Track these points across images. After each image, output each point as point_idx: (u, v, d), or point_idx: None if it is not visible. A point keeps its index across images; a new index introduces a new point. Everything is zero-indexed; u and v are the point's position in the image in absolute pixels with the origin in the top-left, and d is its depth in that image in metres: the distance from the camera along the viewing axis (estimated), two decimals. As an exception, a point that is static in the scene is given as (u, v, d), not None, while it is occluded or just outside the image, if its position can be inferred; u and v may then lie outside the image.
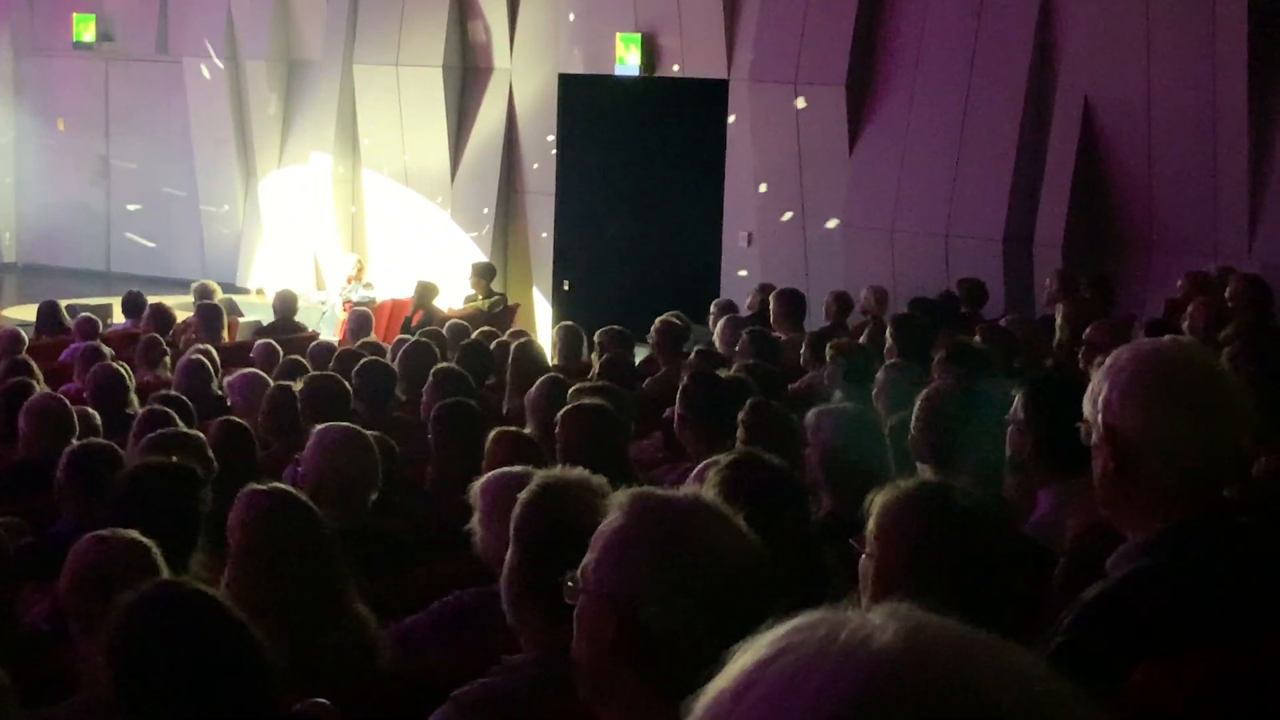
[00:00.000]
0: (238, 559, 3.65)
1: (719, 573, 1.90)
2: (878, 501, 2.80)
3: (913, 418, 4.28)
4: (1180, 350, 2.48)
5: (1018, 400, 3.92)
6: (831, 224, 14.40)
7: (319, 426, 5.05)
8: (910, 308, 10.44)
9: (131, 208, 19.26)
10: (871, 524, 2.77)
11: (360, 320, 12.37)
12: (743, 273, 14.87)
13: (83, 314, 11.86)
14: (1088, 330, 7.80)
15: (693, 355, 8.74)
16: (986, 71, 13.46)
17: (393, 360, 8.75)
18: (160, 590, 2.75)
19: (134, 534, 3.57)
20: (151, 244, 19.08)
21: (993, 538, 2.80)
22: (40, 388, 7.76)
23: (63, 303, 12.66)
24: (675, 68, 15.38)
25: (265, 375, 8.15)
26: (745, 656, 0.95)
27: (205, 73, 18.25)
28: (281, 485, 3.88)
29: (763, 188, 14.89)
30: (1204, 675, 2.22)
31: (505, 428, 5.43)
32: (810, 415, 4.73)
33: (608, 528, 1.97)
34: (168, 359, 9.92)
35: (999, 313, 12.06)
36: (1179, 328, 8.36)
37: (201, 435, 5.98)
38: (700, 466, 4.53)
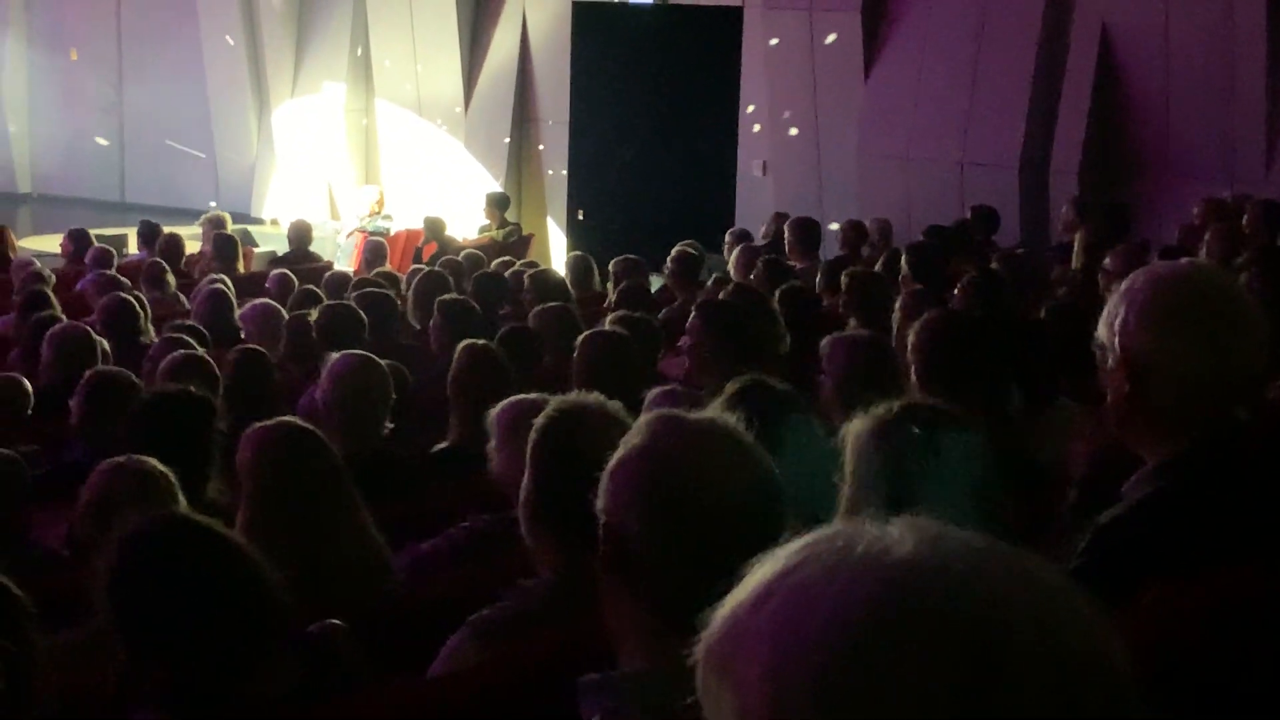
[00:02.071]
0: (250, 495, 3.67)
1: (712, 499, 1.90)
2: (850, 430, 2.79)
3: (911, 345, 4.25)
4: (1196, 273, 2.47)
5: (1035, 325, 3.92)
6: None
7: (334, 354, 5.07)
8: (926, 235, 10.40)
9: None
10: (846, 453, 2.77)
11: (375, 250, 12.38)
12: (757, 201, 14.82)
13: (98, 245, 11.85)
14: (1106, 258, 7.77)
15: (709, 284, 8.73)
16: (1003, -3, 13.34)
17: (407, 290, 8.79)
18: (155, 521, 2.75)
19: (151, 461, 3.59)
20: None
21: (973, 463, 2.77)
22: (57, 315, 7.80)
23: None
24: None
25: (279, 305, 8.17)
26: (763, 568, 0.95)
27: (218, 2, 18.14)
28: (288, 419, 3.89)
29: (778, 115, 14.80)
30: (1214, 596, 2.23)
31: (473, 340, 5.47)
32: (824, 342, 4.73)
33: (622, 447, 1.98)
34: (170, 277, 9.94)
35: (1015, 240, 12.01)
36: (1195, 254, 8.32)
37: (210, 359, 6.01)
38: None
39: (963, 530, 0.94)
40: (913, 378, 3.99)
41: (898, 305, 6.16)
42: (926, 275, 8.05)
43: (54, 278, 10.06)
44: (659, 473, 1.92)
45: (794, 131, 14.70)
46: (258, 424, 3.79)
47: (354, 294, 8.10)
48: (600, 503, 1.94)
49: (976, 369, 3.87)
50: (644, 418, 2.05)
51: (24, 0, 19.90)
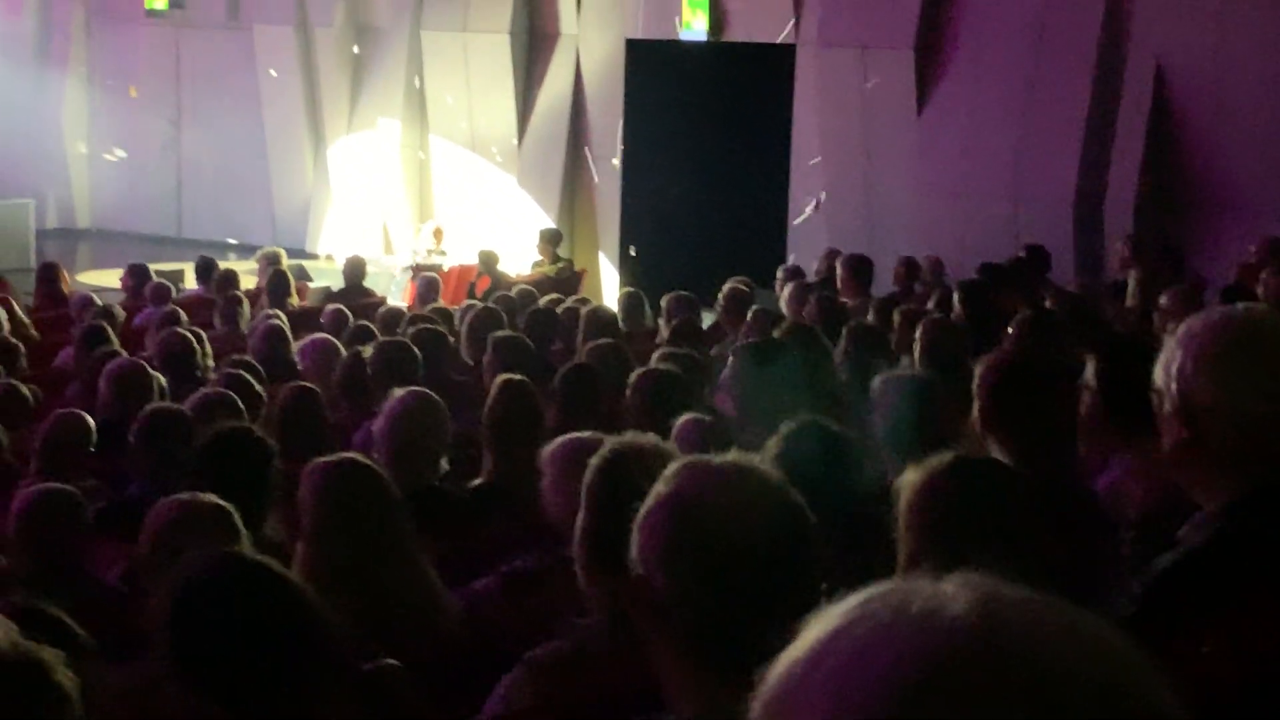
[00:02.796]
0: (311, 531, 3.70)
1: (735, 545, 1.91)
2: (904, 483, 2.79)
3: (976, 386, 4.25)
4: (1255, 318, 2.45)
5: (1090, 364, 3.90)
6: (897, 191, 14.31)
7: (396, 390, 5.11)
8: (979, 272, 10.37)
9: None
10: (901, 505, 2.77)
11: (429, 285, 12.46)
12: (807, 238, 14.82)
13: (155, 280, 11.99)
14: (1162, 297, 7.73)
15: (750, 316, 8.72)
16: (1056, 34, 13.31)
17: (460, 326, 8.84)
18: (214, 560, 2.78)
19: (214, 498, 3.63)
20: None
21: (1029, 515, 2.76)
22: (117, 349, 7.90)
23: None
24: (742, 33, 15.30)
25: (335, 341, 8.24)
26: (818, 626, 0.95)
27: (275, 40, 18.34)
28: (350, 455, 3.92)
29: (830, 152, 14.80)
30: (1273, 644, 2.21)
31: (509, 376, 5.49)
32: (876, 381, 4.73)
33: (650, 497, 2.01)
34: (246, 312, 10.07)
35: (1069, 278, 11.96)
36: (1252, 293, 8.26)
37: (235, 399, 6.06)
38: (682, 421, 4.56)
39: (1018, 587, 0.95)
40: (974, 415, 3.98)
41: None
42: (979, 313, 8.02)
43: (124, 314, 10.18)
44: (681, 523, 1.94)
45: (846, 168, 14.70)
46: (320, 460, 3.82)
47: (408, 330, 8.15)
48: (631, 553, 1.97)
49: (1041, 413, 3.86)
50: (672, 466, 2.07)
51: (85, 38, 20.19)
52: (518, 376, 5.58)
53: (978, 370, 4.02)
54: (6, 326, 9.46)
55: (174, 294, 11.76)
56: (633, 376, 5.67)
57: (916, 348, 6.95)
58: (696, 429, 4.80)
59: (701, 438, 4.70)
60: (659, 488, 1.99)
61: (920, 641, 0.90)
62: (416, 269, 15.06)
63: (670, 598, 1.91)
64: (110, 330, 8.77)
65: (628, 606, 1.98)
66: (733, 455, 2.14)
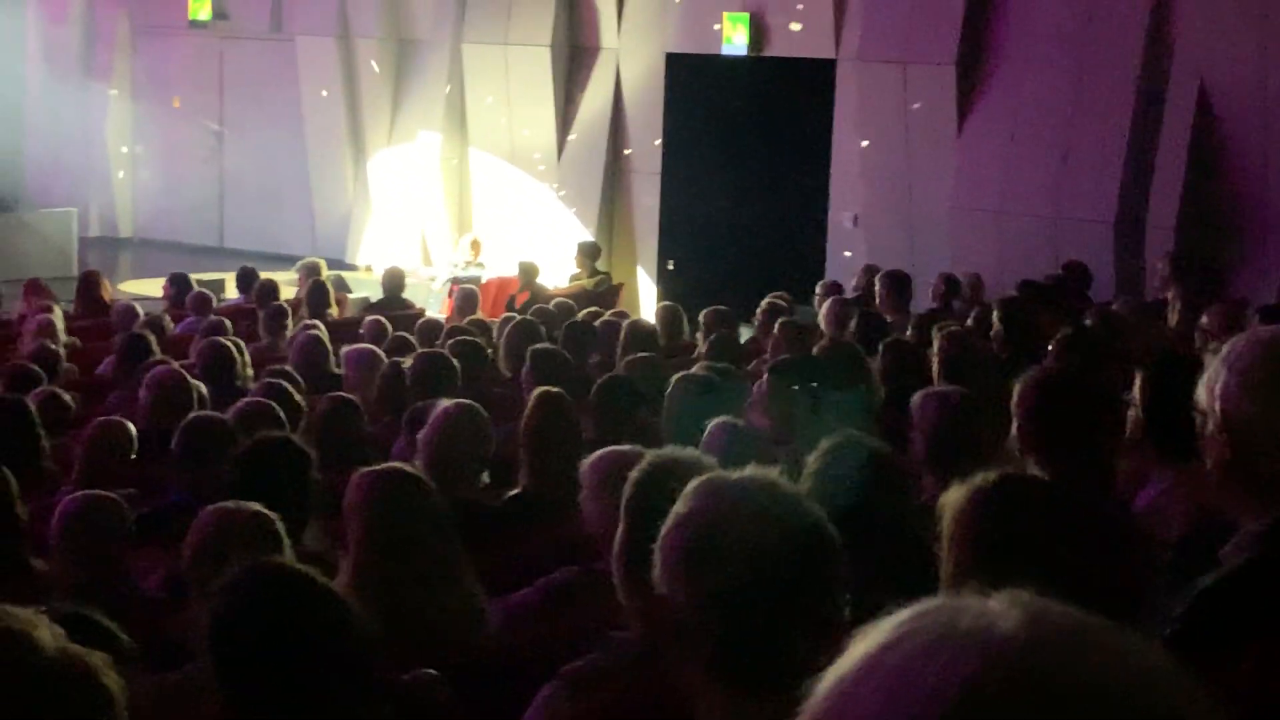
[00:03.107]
0: (356, 539, 3.71)
1: (749, 562, 1.93)
2: (948, 501, 2.78)
3: (1016, 404, 4.23)
4: (1299, 337, 2.44)
5: (1137, 380, 3.89)
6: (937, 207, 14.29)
7: (441, 402, 5.15)
8: (1018, 290, 10.34)
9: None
10: (945, 522, 2.76)
11: (467, 298, 12.51)
12: (848, 254, 14.80)
13: (197, 289, 12.08)
14: (1204, 316, 7.69)
15: (777, 329, 8.70)
16: (1098, 51, 13.27)
17: (498, 338, 8.87)
18: (257, 570, 2.80)
19: (256, 506, 3.65)
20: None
21: (1073, 533, 2.75)
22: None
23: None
24: (782, 47, 15.32)
25: (378, 350, 8.27)
26: (865, 641, 0.96)
27: (317, 51, 18.46)
28: (396, 464, 3.94)
29: (870, 168, 14.79)
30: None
31: (547, 388, 5.51)
32: (915, 397, 4.72)
33: (669, 518, 2.03)
34: (289, 324, 10.13)
35: (1108, 296, 11.91)
36: (1295, 313, 8.21)
37: (276, 409, 6.09)
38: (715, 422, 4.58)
39: (1065, 606, 0.95)
40: (1013, 433, 3.96)
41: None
42: (1019, 330, 8.00)
43: (172, 325, 10.26)
44: (697, 543, 1.96)
45: (886, 183, 14.68)
46: (368, 469, 3.85)
47: (446, 342, 8.18)
48: (653, 573, 1.98)
49: (1081, 431, 3.84)
50: (690, 485, 2.09)
51: (130, 50, 20.35)
52: (555, 389, 5.60)
53: (1018, 388, 4.01)
54: (63, 337, 9.52)
55: (215, 304, 11.85)
56: (669, 390, 5.69)
57: (935, 359, 6.94)
58: (724, 433, 4.82)
59: (728, 442, 4.73)
60: (677, 507, 2.02)
61: (969, 658, 0.90)
62: (454, 281, 15.12)
63: (690, 616, 1.92)
64: (154, 340, 8.84)
65: (654, 624, 2.00)
66: (749, 470, 2.15)
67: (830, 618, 1.99)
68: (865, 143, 14.72)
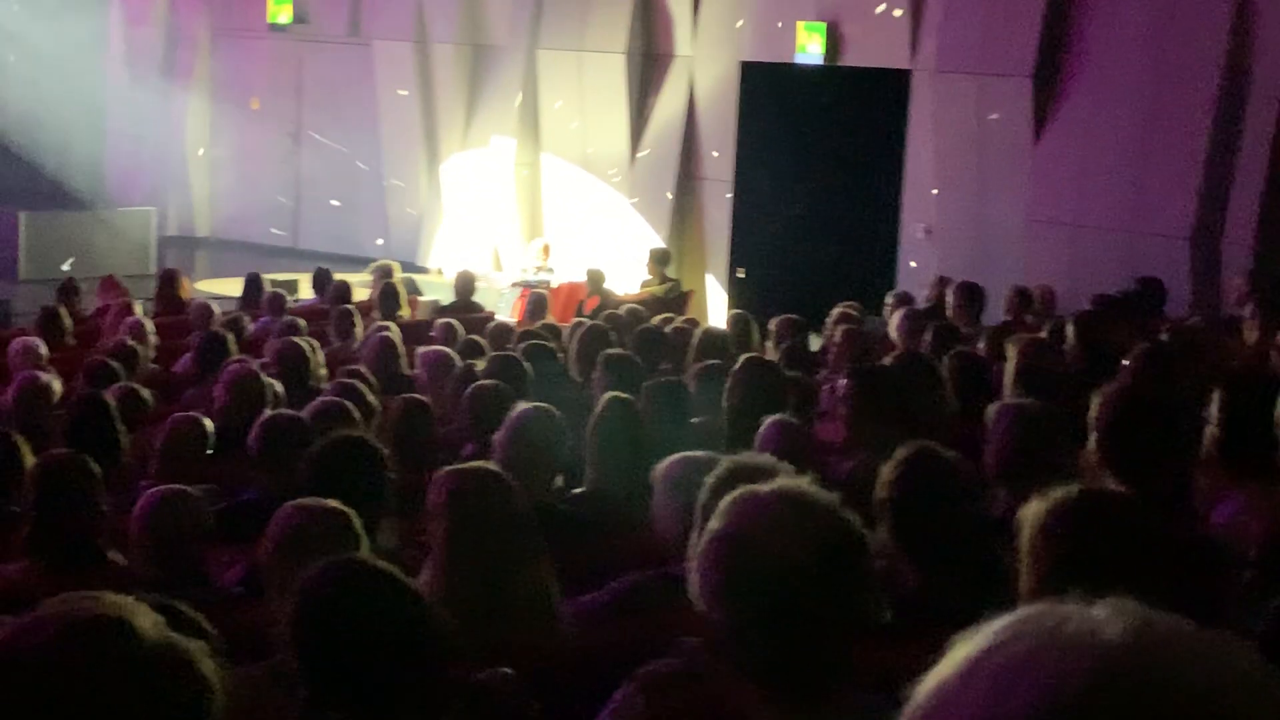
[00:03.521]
0: (439, 536, 3.74)
1: (782, 573, 1.95)
2: (1028, 514, 2.78)
3: (1094, 419, 4.21)
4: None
5: (1213, 398, 3.86)
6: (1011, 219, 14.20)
7: (519, 404, 5.20)
8: (1093, 304, 10.26)
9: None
10: (1024, 536, 2.75)
11: (537, 302, 12.56)
12: (915, 265, 14.75)
13: (273, 289, 12.21)
14: None
15: (840, 334, 8.67)
16: (1177, 64, 13.14)
17: (569, 342, 8.91)
18: (338, 565, 2.84)
19: (335, 503, 3.69)
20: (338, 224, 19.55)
21: (1153, 549, 2.73)
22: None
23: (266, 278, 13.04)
24: (857, 57, 15.28)
25: (451, 352, 8.33)
26: (967, 645, 0.96)
27: (394, 55, 18.59)
28: (480, 463, 3.98)
29: (944, 179, 14.72)
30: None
31: (616, 393, 5.59)
32: (992, 408, 4.70)
33: (705, 534, 2.06)
34: (359, 327, 10.20)
35: (1183, 312, 11.79)
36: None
37: (351, 408, 6.16)
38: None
39: (1167, 615, 0.95)
40: (1089, 448, 3.95)
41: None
42: (1093, 345, 7.94)
43: (251, 327, 10.36)
44: (730, 559, 1.99)
45: (959, 195, 14.61)
46: (451, 467, 3.89)
47: (519, 345, 8.22)
48: (694, 590, 2.01)
49: (1159, 447, 3.82)
50: (724, 500, 2.11)
51: (209, 52, 20.59)
52: (622, 394, 5.64)
53: (1096, 403, 3.99)
54: (151, 339, 9.63)
55: (288, 304, 11.96)
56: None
57: (1010, 368, 6.88)
58: (777, 431, 4.84)
59: (780, 438, 4.74)
60: (712, 524, 2.04)
61: (1075, 664, 0.90)
62: (524, 285, 15.19)
63: (727, 630, 1.95)
64: (232, 339, 8.95)
65: (705, 637, 2.03)
66: (781, 481, 2.17)
67: (866, 625, 2.01)
68: (938, 155, 14.66)
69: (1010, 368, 6.52)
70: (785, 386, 6.15)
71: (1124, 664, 0.91)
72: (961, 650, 0.96)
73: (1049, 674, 0.90)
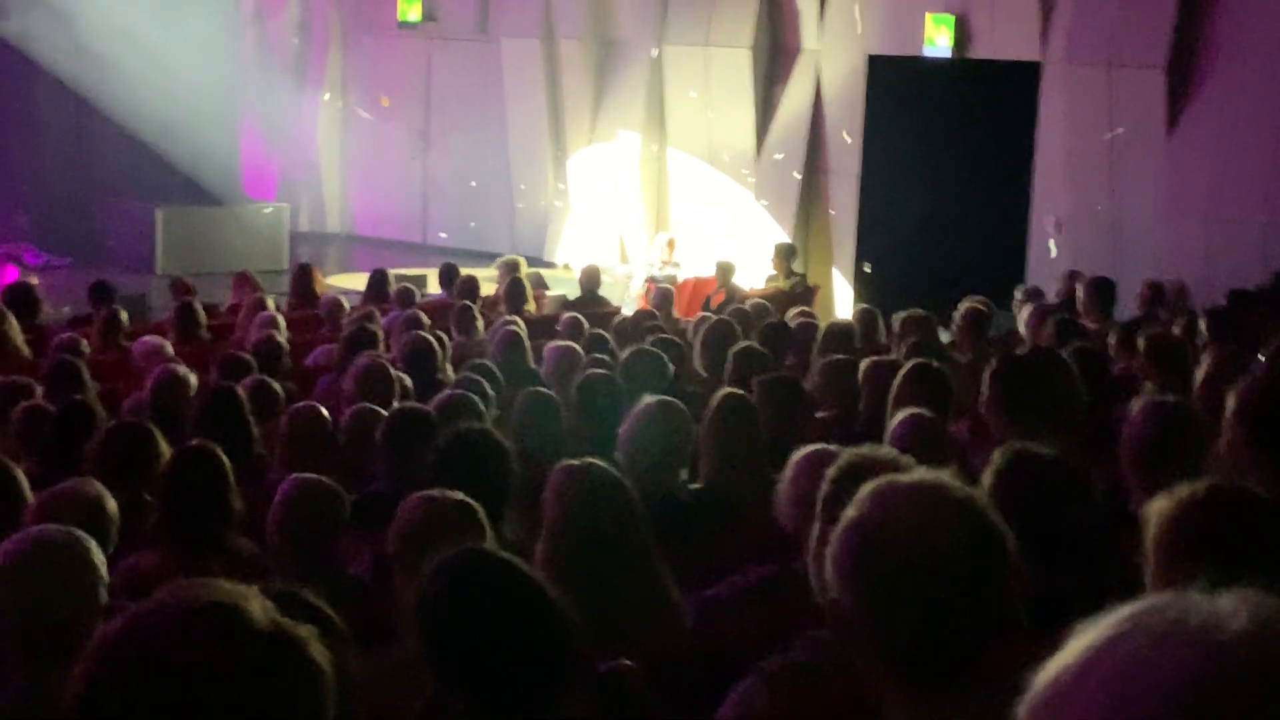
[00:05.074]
0: (551, 531, 3.78)
1: (919, 565, 1.93)
2: (1153, 511, 2.73)
3: (1230, 415, 4.12)
4: None
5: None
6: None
7: (645, 397, 5.22)
8: (1228, 299, 10.06)
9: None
10: (1150, 532, 2.71)
11: (663, 296, 12.58)
12: (1049, 258, 14.54)
13: (401, 284, 12.36)
14: None
15: (962, 320, 8.60)
16: (1318, 54, 12.84)
17: (694, 337, 8.92)
18: (465, 555, 2.87)
19: (460, 495, 3.74)
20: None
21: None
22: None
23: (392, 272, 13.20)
24: (986, 49, 15.11)
25: (577, 347, 8.37)
26: (1088, 635, 0.95)
27: (522, 52, 18.73)
28: (592, 460, 4.00)
29: (1075, 171, 14.51)
30: None
31: (731, 390, 5.61)
32: (1132, 403, 4.62)
33: (840, 522, 2.05)
34: (480, 324, 10.29)
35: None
36: None
37: (476, 401, 6.22)
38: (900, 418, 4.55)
39: None
40: (1224, 443, 3.86)
41: (1205, 368, 5.92)
42: (1228, 341, 7.78)
43: (379, 319, 10.52)
44: (865, 548, 1.97)
45: (1090, 188, 14.39)
46: (565, 462, 3.92)
47: (651, 340, 8.23)
48: (826, 579, 2.00)
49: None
50: (862, 489, 2.09)
51: (340, 49, 20.89)
52: (738, 391, 5.65)
53: (1231, 398, 3.91)
54: (285, 333, 9.81)
55: (416, 298, 12.10)
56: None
57: (1143, 365, 6.77)
58: (911, 426, 4.79)
59: (913, 434, 4.70)
60: (848, 512, 2.02)
61: (1201, 655, 0.89)
62: (650, 280, 15.22)
63: (858, 620, 1.93)
64: (379, 333, 9.11)
65: (832, 627, 2.02)
66: (920, 474, 2.15)
67: (1005, 620, 1.98)
68: (1069, 148, 14.45)
69: (1143, 363, 6.40)
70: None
71: (1248, 656, 0.90)
72: (1080, 641, 0.95)
73: (1174, 666, 0.90)
